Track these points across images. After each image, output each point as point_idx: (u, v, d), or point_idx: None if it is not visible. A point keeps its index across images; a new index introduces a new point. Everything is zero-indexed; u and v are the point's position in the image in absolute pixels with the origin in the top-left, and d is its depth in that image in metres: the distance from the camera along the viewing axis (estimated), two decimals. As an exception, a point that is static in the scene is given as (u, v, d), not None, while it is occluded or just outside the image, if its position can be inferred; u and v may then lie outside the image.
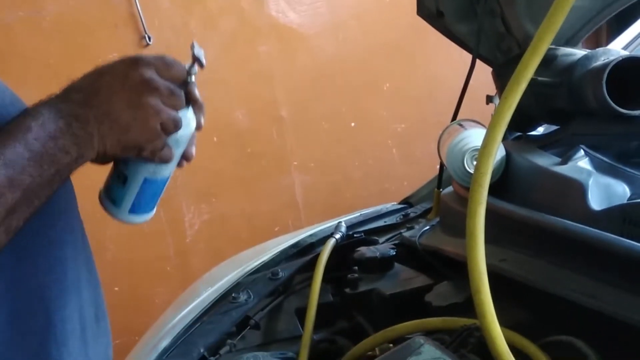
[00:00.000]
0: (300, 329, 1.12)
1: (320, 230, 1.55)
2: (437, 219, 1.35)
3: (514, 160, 1.15)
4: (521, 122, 1.24)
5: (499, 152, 1.13)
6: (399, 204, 1.73)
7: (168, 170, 0.78)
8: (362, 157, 3.08)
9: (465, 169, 1.17)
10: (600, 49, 1.14)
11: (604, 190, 0.91)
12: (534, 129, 1.34)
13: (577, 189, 0.92)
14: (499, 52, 1.34)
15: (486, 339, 0.71)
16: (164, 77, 0.70)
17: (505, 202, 1.05)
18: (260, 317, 1.18)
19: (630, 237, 0.77)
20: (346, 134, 3.04)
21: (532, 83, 0.76)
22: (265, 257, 1.44)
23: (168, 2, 2.70)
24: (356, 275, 1.20)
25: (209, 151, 2.71)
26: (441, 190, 1.42)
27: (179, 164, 0.80)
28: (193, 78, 0.76)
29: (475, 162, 1.11)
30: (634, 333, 0.69)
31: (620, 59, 1.02)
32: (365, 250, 1.26)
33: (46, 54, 2.53)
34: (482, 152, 0.76)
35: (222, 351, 1.06)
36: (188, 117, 0.76)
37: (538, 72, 0.76)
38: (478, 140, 1.17)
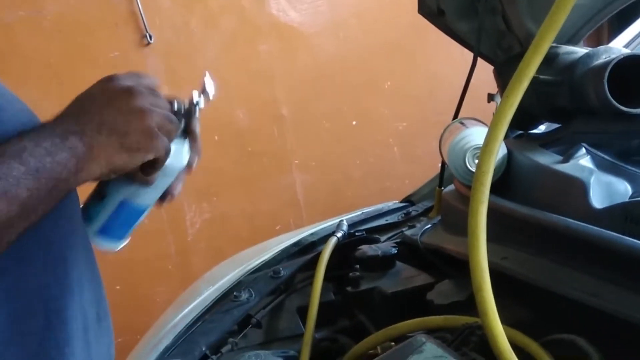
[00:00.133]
0: (302, 328, 1.12)
1: (322, 228, 1.55)
2: (439, 218, 1.35)
3: (516, 159, 1.15)
4: (523, 120, 1.24)
5: (500, 150, 1.13)
6: (401, 202, 1.73)
7: (148, 198, 0.76)
8: (363, 155, 3.08)
9: (467, 168, 1.17)
10: (601, 47, 1.14)
11: (605, 189, 0.91)
12: (536, 127, 1.34)
13: (579, 187, 0.92)
14: (500, 51, 1.34)
15: (488, 337, 0.71)
16: (140, 85, 0.71)
17: (507, 200, 1.04)
18: (262, 315, 1.19)
19: (632, 235, 0.77)
20: (347, 132, 3.03)
21: (534, 81, 0.76)
22: (267, 256, 1.44)
23: (169, 1, 2.70)
24: (358, 273, 1.20)
25: (209, 150, 2.68)
26: (442, 188, 1.41)
27: (161, 198, 0.78)
28: (197, 110, 0.74)
29: (476, 161, 1.11)
30: (636, 331, 0.69)
31: (622, 57, 1.02)
32: (367, 249, 1.26)
33: (46, 54, 2.53)
34: (483, 151, 0.76)
35: (223, 350, 1.07)
36: (182, 150, 0.74)
37: (539, 70, 0.76)
38: (479, 138, 1.17)
